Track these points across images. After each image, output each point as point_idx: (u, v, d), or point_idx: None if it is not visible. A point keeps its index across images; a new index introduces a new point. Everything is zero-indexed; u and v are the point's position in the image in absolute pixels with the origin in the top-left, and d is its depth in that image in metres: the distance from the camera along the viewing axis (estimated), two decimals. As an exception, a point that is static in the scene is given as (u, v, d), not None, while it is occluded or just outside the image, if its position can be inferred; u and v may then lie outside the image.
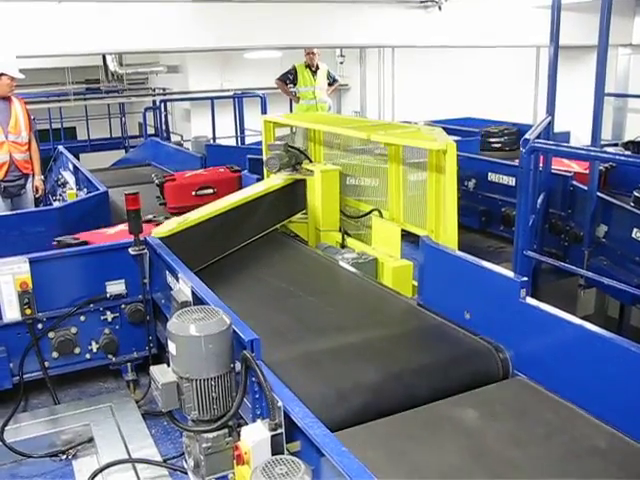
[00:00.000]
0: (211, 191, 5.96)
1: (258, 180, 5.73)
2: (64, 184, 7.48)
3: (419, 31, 9.02)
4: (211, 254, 4.25)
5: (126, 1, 7.18)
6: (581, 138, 8.71)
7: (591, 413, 2.57)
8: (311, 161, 5.33)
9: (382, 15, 8.66)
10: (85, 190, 6.32)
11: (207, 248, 4.23)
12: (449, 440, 2.49)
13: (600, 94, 4.98)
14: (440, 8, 8.76)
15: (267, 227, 4.80)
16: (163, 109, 11.39)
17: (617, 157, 4.27)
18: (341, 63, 13.53)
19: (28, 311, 3.46)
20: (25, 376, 3.55)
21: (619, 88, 10.74)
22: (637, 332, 6.37)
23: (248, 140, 10.46)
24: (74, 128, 15.95)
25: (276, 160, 4.88)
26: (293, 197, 5.09)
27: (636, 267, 4.85)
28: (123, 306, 3.75)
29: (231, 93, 11.62)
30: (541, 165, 5.08)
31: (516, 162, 5.02)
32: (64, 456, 3.18)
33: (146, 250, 3.68)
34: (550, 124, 5.17)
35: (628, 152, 7.52)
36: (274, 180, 4.99)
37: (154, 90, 15.22)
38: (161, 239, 3.71)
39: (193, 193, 5.97)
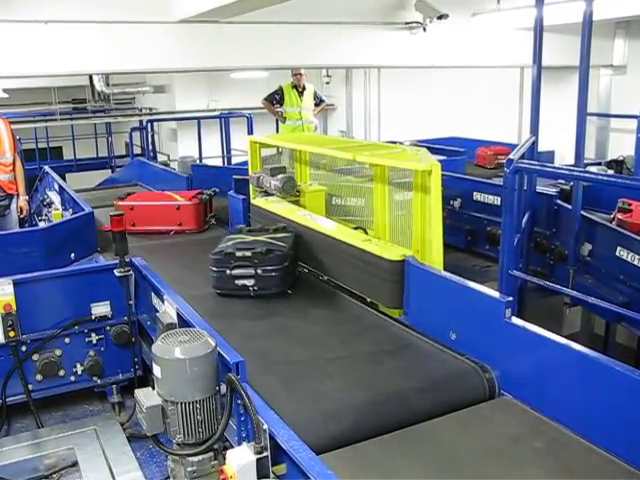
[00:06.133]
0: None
1: (244, 200, 5.74)
2: (50, 204, 7.45)
3: (404, 52, 9.11)
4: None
5: (112, 22, 7.20)
6: (565, 157, 8.79)
7: (577, 433, 2.58)
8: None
9: (368, 36, 8.75)
10: (71, 210, 6.29)
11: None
12: (435, 462, 2.48)
13: (582, 114, 5.04)
14: (425, 29, 8.87)
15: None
16: (150, 129, 11.39)
17: (600, 177, 4.31)
18: (327, 83, 13.60)
19: (12, 333, 3.44)
20: (8, 399, 3.51)
21: (601, 108, 10.88)
22: (623, 349, 6.40)
23: (234, 160, 10.48)
24: (60, 148, 15.91)
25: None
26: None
27: (620, 285, 4.88)
28: (108, 328, 3.73)
29: (217, 113, 11.64)
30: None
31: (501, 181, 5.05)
32: (47, 481, 3.14)
33: (132, 272, 3.67)
34: (534, 144, 5.22)
35: (611, 171, 7.61)
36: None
37: (141, 110, 15.21)
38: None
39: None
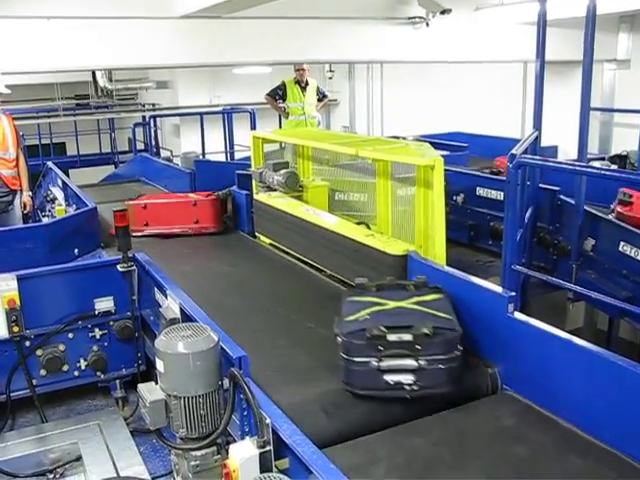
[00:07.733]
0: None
1: (247, 196, 5.74)
2: (53, 200, 7.47)
3: (407, 47, 9.09)
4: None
5: (115, 17, 7.20)
6: (569, 152, 8.77)
7: (580, 428, 2.58)
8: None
9: (371, 31, 8.73)
10: (74, 206, 6.30)
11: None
12: (437, 456, 2.48)
13: (586, 109, 5.02)
14: (428, 24, 8.85)
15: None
16: (153, 125, 11.39)
17: (603, 172, 4.29)
18: (330, 78, 13.57)
19: (16, 329, 3.45)
20: (12, 394, 3.52)
21: (605, 102, 10.84)
22: (626, 344, 6.40)
23: (238, 155, 10.47)
24: (63, 144, 15.90)
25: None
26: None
27: (623, 280, 4.87)
28: (111, 323, 3.74)
29: (220, 108, 11.62)
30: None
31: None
32: (52, 475, 3.15)
33: (135, 267, 3.68)
34: (537, 138, 5.20)
35: (614, 166, 7.59)
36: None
37: (144, 106, 15.19)
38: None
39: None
